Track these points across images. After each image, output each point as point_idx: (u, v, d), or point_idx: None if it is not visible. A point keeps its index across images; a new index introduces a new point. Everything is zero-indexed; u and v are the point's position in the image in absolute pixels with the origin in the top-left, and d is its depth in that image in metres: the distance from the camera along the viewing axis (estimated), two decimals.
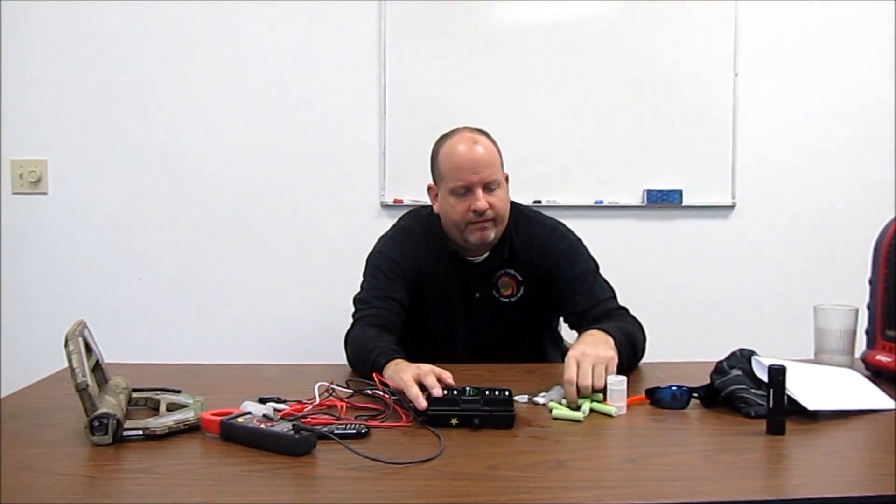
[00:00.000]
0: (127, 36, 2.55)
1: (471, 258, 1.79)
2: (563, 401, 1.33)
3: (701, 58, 2.63)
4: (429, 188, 1.83)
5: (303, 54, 2.59)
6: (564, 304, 1.76)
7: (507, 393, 1.25)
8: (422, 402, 1.23)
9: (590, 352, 1.37)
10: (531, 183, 2.59)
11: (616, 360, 1.40)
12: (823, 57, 2.68)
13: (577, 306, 1.71)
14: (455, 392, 1.25)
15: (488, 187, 1.70)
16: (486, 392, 1.24)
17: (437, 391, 1.25)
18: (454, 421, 1.21)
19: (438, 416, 1.21)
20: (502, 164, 1.78)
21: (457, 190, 1.71)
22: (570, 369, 1.33)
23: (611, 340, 1.48)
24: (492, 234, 1.73)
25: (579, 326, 1.70)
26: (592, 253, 1.81)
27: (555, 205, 2.58)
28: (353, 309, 1.73)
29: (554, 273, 1.76)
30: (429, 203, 1.84)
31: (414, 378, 1.28)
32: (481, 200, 1.68)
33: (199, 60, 2.58)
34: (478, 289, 1.80)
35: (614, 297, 1.74)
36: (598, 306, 1.69)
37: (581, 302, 1.71)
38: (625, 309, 1.72)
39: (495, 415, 1.21)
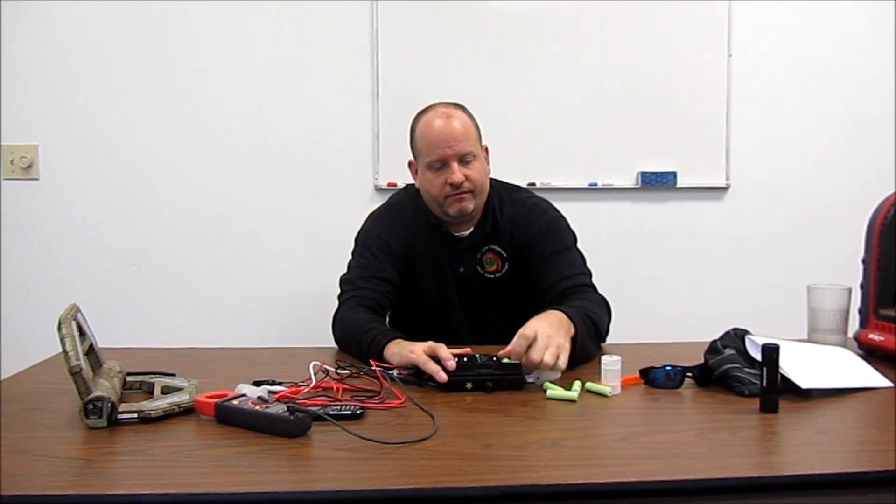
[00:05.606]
0: (118, 22, 2.52)
1: (456, 233, 1.80)
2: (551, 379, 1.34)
3: (695, 39, 2.62)
4: (409, 164, 1.84)
5: (296, 40, 2.56)
6: (536, 280, 1.74)
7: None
8: (442, 376, 1.29)
9: (546, 331, 1.34)
10: (525, 165, 2.58)
11: (567, 351, 1.36)
12: (818, 38, 2.66)
13: (543, 283, 1.70)
14: (466, 359, 1.33)
15: (464, 160, 1.71)
16: (494, 358, 1.33)
17: (452, 363, 1.31)
18: (469, 385, 1.30)
19: (455, 381, 1.30)
20: (480, 137, 1.78)
21: (433, 164, 1.72)
22: (518, 345, 1.32)
23: (571, 329, 1.43)
24: (471, 206, 1.73)
25: (541, 303, 1.64)
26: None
27: (549, 187, 2.57)
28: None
29: (532, 249, 1.76)
30: None
31: (426, 353, 1.33)
32: (457, 173, 1.69)
33: (191, 47, 2.55)
34: (462, 264, 1.80)
35: (583, 274, 1.71)
36: (561, 282, 1.67)
37: (546, 278, 1.70)
38: (592, 286, 1.70)
39: (506, 377, 1.31)
